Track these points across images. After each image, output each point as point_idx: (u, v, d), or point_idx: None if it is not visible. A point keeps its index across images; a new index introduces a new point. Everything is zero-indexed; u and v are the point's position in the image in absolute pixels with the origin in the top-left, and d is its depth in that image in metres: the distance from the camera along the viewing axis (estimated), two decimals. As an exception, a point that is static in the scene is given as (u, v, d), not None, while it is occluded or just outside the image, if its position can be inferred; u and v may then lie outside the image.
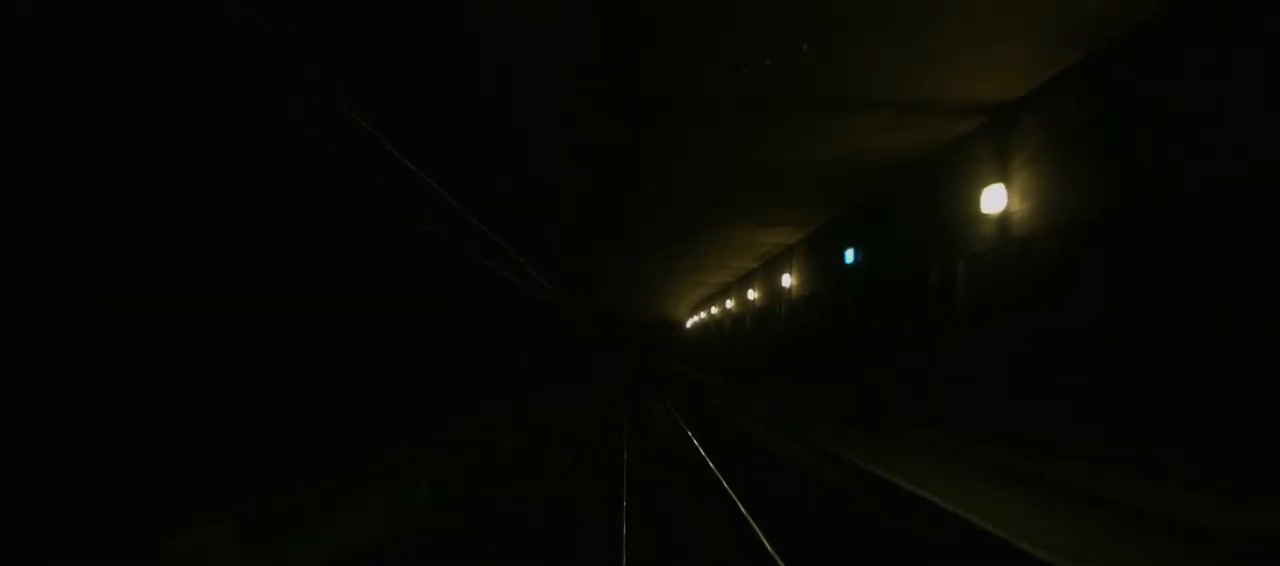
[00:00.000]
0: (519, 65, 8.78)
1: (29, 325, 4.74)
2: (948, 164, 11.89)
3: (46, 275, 4.94)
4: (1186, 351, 6.99)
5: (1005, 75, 9.26)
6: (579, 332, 47.37)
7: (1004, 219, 10.29)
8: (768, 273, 25.82)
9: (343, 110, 8.33)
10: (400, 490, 9.09)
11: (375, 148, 9.43)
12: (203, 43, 6.38)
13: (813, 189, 15.08)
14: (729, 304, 34.11)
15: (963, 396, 11.16)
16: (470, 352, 16.89)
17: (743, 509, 9.37)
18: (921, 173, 12.86)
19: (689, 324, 58.49)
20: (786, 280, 22.43)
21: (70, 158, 5.26)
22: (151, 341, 5.87)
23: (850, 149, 12.11)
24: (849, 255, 16.59)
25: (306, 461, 7.53)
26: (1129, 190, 7.82)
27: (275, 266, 7.81)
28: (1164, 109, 7.28)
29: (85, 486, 5.02)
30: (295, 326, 7.97)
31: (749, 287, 28.66)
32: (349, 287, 9.58)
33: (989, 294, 10.68)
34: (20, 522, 4.46)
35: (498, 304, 20.02)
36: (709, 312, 42.17)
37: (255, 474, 6.64)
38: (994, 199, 10.38)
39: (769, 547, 7.66)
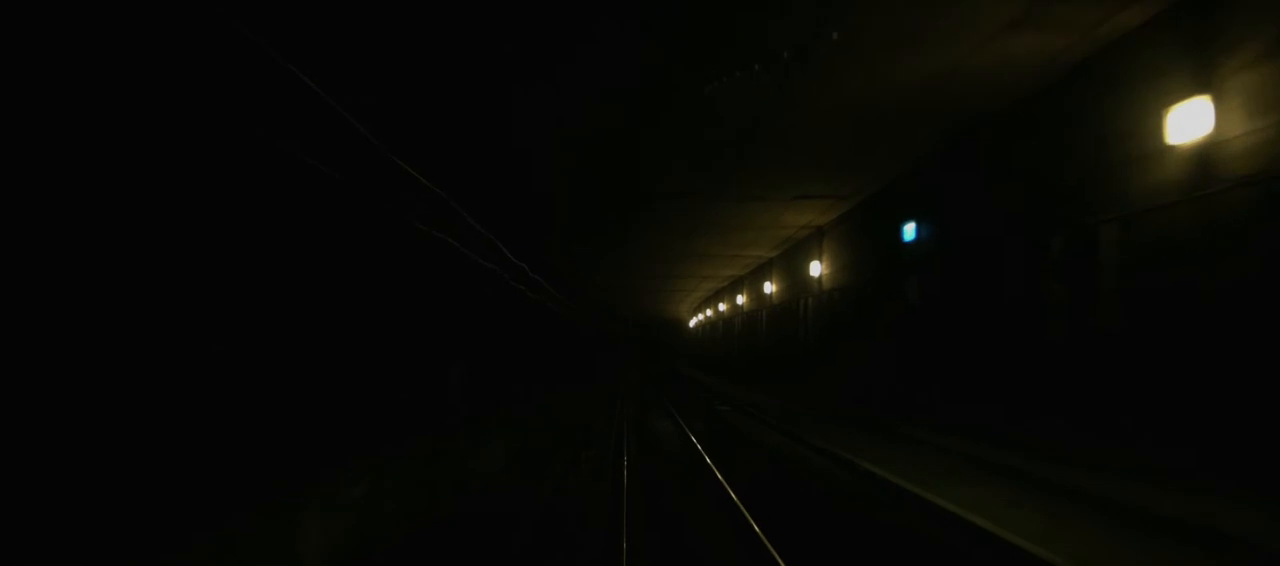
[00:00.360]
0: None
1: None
2: (1093, 82, 8.18)
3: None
4: None
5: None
6: (578, 334, 43.85)
7: (1206, 153, 6.59)
8: (789, 261, 22.13)
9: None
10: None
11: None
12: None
13: (869, 139, 11.36)
14: (740, 299, 30.40)
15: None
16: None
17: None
18: (1043, 100, 9.15)
19: (692, 323, 55.11)
20: (815, 268, 18.72)
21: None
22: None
23: (942, 66, 8.40)
24: (909, 230, 12.88)
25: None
26: None
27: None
28: None
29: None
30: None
31: (765, 280, 24.97)
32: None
33: (1165, 266, 7.00)
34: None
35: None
36: (716, 310, 38.52)
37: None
38: (1188, 122, 6.68)
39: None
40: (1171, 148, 6.91)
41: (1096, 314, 8.04)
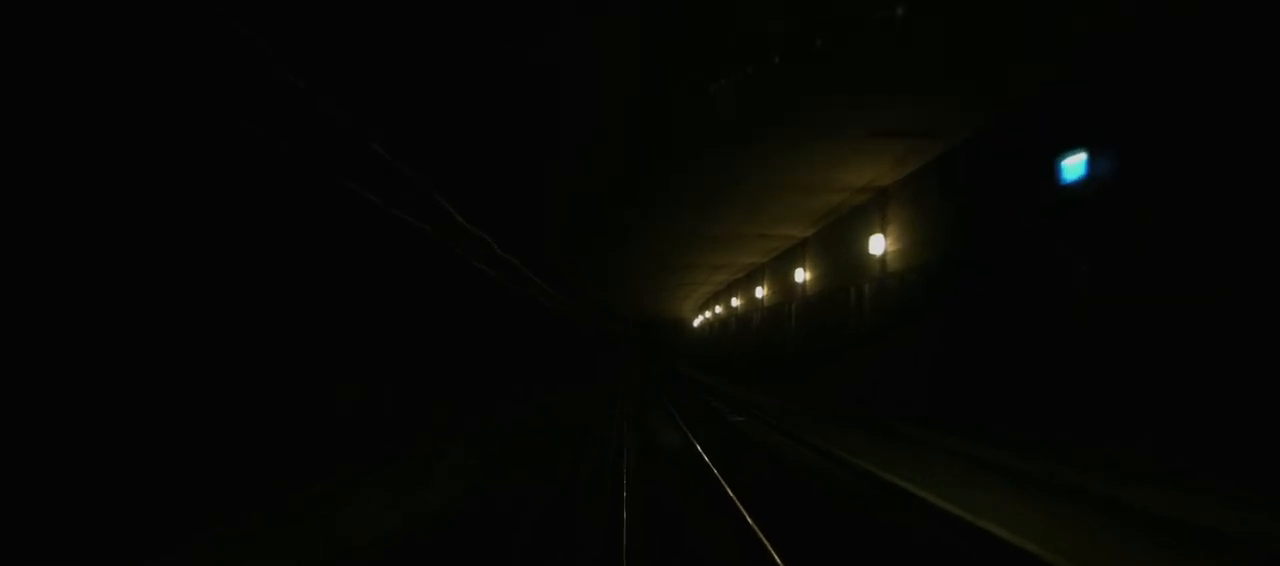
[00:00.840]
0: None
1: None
2: None
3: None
4: None
5: None
6: (578, 334, 40.15)
7: None
8: (832, 240, 17.22)
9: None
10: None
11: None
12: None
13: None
14: (760, 291, 25.48)
15: None
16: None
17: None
18: None
19: (696, 322, 50.60)
20: (876, 244, 13.82)
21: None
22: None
23: None
24: (1074, 166, 7.97)
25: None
26: None
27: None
28: None
29: None
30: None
31: (796, 266, 20.06)
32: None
33: None
34: None
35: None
36: (728, 305, 33.64)
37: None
38: None
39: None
40: None
41: None
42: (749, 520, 6.77)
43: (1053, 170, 8.23)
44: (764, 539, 6.16)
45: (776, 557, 5.68)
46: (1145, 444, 6.88)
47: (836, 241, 16.70)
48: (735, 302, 31.38)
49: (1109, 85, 7.55)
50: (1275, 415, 5.58)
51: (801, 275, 19.53)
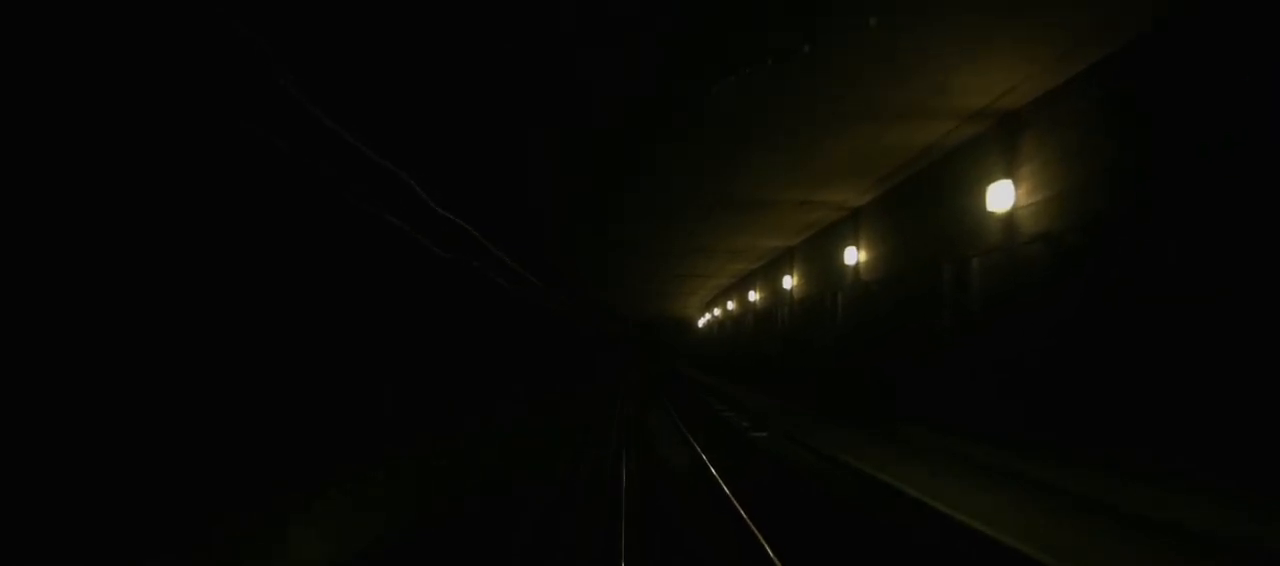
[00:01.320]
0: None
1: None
2: None
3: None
4: None
5: None
6: (578, 334, 38.21)
7: None
8: (903, 204, 12.62)
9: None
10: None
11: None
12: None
13: None
14: (788, 281, 20.82)
15: None
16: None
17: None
18: None
19: (701, 322, 46.60)
20: (997, 198, 9.18)
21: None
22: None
23: None
24: None
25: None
26: None
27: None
28: None
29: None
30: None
31: (846, 245, 15.41)
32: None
33: None
34: None
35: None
36: (744, 300, 29.13)
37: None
38: None
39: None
40: None
41: None
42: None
43: None
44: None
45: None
46: None
47: (913, 203, 12.10)
48: (753, 296, 26.81)
49: None
50: None
51: (853, 255, 14.92)
